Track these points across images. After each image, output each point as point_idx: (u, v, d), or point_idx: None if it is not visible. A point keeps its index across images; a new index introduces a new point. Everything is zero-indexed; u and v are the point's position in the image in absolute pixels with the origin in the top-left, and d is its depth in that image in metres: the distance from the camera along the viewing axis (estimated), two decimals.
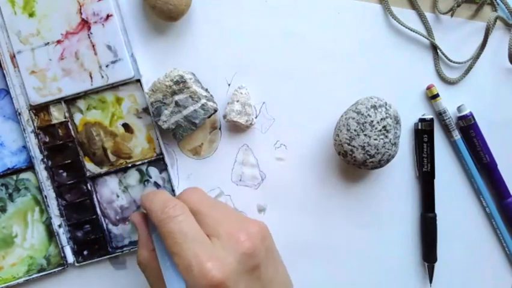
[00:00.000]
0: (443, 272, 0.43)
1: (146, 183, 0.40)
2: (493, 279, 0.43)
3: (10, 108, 0.41)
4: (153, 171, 0.41)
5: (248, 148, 0.42)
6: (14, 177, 0.41)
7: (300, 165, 0.42)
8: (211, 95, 0.40)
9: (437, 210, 0.42)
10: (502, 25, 0.42)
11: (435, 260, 0.42)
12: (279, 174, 0.42)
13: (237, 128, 0.42)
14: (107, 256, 0.41)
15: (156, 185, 0.42)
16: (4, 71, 0.40)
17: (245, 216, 0.35)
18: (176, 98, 0.38)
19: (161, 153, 0.41)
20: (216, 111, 0.40)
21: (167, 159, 0.41)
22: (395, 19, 0.41)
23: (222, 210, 0.33)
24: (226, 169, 0.42)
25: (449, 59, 0.42)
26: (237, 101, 0.40)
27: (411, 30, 0.41)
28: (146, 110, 0.41)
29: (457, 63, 0.41)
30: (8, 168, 0.41)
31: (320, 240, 0.42)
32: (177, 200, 0.32)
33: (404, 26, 0.41)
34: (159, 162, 0.41)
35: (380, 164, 0.38)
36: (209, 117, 0.40)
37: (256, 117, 0.42)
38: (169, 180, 0.41)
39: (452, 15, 0.41)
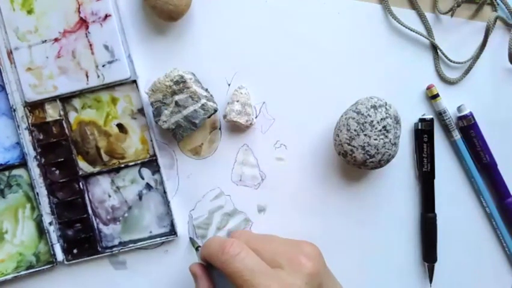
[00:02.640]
0: (443, 272, 0.43)
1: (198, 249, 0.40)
2: (493, 279, 0.43)
3: (5, 104, 0.41)
4: (146, 173, 0.41)
5: (248, 148, 0.42)
6: (6, 173, 0.41)
7: (300, 165, 0.42)
8: (211, 95, 0.40)
9: (437, 210, 0.42)
10: (502, 25, 0.42)
11: (435, 260, 0.42)
12: (279, 174, 0.42)
13: (237, 128, 0.42)
14: (97, 256, 0.41)
15: (148, 186, 0.41)
16: (0, 67, 0.40)
17: (294, 240, 0.36)
18: (177, 98, 0.38)
19: (155, 155, 0.41)
20: (216, 111, 0.40)
21: (160, 161, 0.41)
22: (395, 19, 0.41)
23: (272, 241, 0.35)
24: (226, 169, 0.42)
25: (449, 59, 0.42)
26: (237, 101, 0.40)
27: (411, 30, 0.41)
28: (141, 111, 0.41)
29: (457, 63, 0.41)
30: (1, 164, 0.41)
31: (320, 240, 0.42)
32: (233, 239, 0.33)
33: (404, 26, 0.41)
34: (152, 164, 0.41)
35: (380, 164, 0.38)
36: (209, 117, 0.39)
37: (256, 117, 0.42)
38: (162, 182, 0.41)
39: (452, 15, 0.41)
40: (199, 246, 0.39)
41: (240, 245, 0.32)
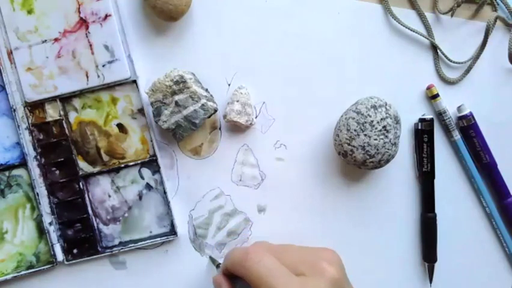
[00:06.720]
0: (443, 272, 0.43)
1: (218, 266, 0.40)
2: (493, 279, 0.43)
3: (5, 104, 0.41)
4: (146, 173, 0.41)
5: (248, 148, 0.42)
6: (7, 173, 0.41)
7: (300, 165, 0.42)
8: (211, 95, 0.40)
9: (437, 210, 0.42)
10: (502, 25, 0.42)
11: (435, 260, 0.42)
12: (279, 174, 0.42)
13: (237, 128, 0.42)
14: (97, 256, 0.41)
15: (148, 186, 0.41)
16: (0, 67, 0.40)
17: (312, 247, 0.36)
18: (177, 98, 0.38)
19: (155, 155, 0.41)
20: (216, 111, 0.40)
21: (160, 161, 0.41)
22: (395, 19, 0.41)
23: (290, 250, 0.35)
24: (226, 169, 0.42)
25: (449, 59, 0.42)
26: (237, 101, 0.40)
27: (411, 30, 0.41)
28: (141, 111, 0.41)
29: (457, 63, 0.41)
30: (1, 164, 0.41)
31: (320, 240, 0.42)
32: (255, 246, 0.33)
33: (404, 26, 0.41)
34: (152, 164, 0.41)
35: (380, 164, 0.38)
36: (209, 117, 0.39)
37: (256, 117, 0.42)
38: (162, 182, 0.41)
39: (452, 15, 0.41)
40: (220, 264, 0.39)
41: (263, 251, 0.32)
